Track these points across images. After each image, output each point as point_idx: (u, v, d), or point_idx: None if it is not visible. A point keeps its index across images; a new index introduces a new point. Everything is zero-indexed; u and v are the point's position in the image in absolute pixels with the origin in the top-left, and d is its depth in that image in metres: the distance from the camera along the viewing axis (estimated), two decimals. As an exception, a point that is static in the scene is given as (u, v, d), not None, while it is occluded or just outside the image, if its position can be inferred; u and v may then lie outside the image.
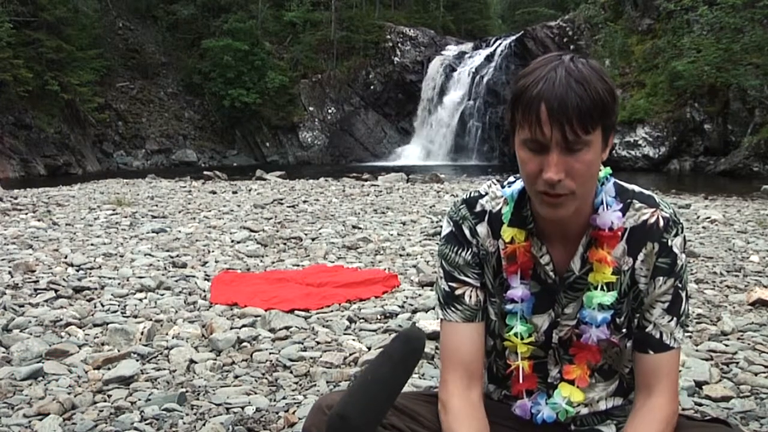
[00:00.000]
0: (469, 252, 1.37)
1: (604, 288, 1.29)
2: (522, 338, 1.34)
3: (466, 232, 1.37)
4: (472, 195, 1.40)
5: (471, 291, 1.37)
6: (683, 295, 1.33)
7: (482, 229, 1.37)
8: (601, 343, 1.32)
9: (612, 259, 1.28)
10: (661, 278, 1.30)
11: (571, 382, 1.35)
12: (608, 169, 1.30)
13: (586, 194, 1.24)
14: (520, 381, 1.37)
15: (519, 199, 1.33)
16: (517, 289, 1.33)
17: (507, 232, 1.33)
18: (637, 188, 1.34)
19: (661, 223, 1.30)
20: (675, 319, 1.32)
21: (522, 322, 1.34)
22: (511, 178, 1.38)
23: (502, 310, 1.37)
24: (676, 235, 1.30)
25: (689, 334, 3.36)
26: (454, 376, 1.33)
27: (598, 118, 1.16)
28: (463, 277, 1.37)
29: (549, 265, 1.32)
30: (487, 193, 1.39)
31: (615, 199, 1.30)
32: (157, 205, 9.60)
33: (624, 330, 1.34)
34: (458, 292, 1.37)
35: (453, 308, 1.37)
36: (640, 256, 1.30)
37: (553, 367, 1.37)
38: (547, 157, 1.17)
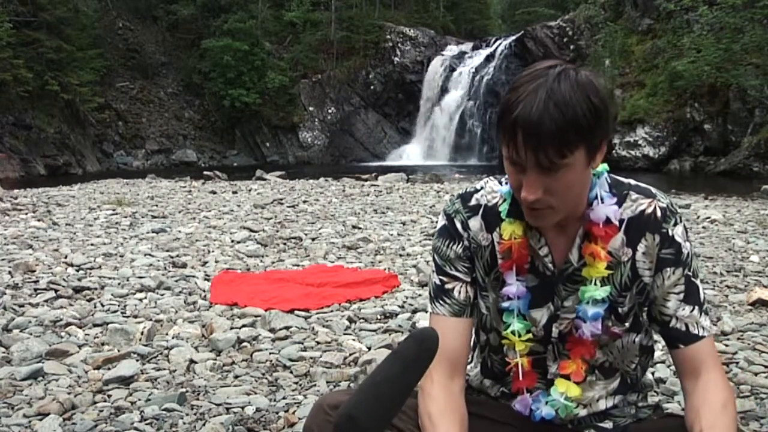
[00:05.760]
0: (459, 245, 1.37)
1: (597, 283, 1.29)
2: (519, 335, 1.34)
3: (458, 225, 1.37)
4: (467, 190, 1.40)
5: (461, 286, 1.37)
6: (697, 282, 1.32)
7: (475, 222, 1.37)
8: (596, 337, 1.32)
9: (605, 254, 1.28)
10: (668, 269, 1.30)
11: (567, 377, 1.34)
12: (605, 166, 1.30)
13: (569, 207, 1.24)
14: (520, 378, 1.36)
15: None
16: (512, 286, 1.33)
17: (506, 229, 1.33)
18: (633, 181, 1.35)
19: (659, 213, 1.29)
20: (696, 308, 1.31)
21: (519, 320, 1.34)
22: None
23: (497, 305, 1.37)
24: (675, 224, 1.30)
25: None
26: (438, 367, 1.30)
27: (576, 141, 1.14)
28: (453, 272, 1.38)
29: (548, 257, 1.32)
30: (482, 188, 1.39)
31: (609, 194, 1.30)
32: (157, 205, 9.60)
33: (627, 323, 1.33)
34: (448, 286, 1.38)
35: (442, 301, 1.38)
36: (641, 248, 1.30)
37: (552, 363, 1.37)
38: (524, 176, 1.18)
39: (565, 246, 1.31)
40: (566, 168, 1.16)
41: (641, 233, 1.29)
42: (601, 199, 1.28)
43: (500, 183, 1.38)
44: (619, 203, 1.29)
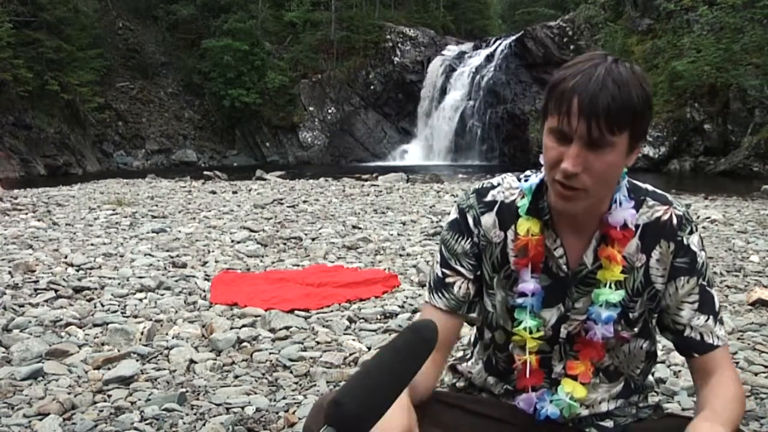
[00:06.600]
0: (468, 241, 1.36)
1: (612, 286, 1.29)
2: (531, 332, 1.34)
3: (470, 221, 1.37)
4: (484, 185, 1.40)
5: (462, 282, 1.37)
6: (712, 291, 1.32)
7: (488, 219, 1.36)
8: (606, 340, 1.32)
9: (621, 258, 1.28)
10: (683, 278, 1.30)
11: (574, 378, 1.34)
12: (623, 170, 1.30)
13: (600, 194, 1.24)
14: (527, 376, 1.36)
15: (536, 191, 1.33)
16: (528, 283, 1.32)
17: (523, 225, 1.32)
18: (650, 187, 1.35)
19: (675, 220, 1.30)
20: (711, 317, 1.31)
21: (531, 317, 1.33)
22: (528, 172, 1.38)
23: (507, 303, 1.36)
24: (691, 233, 1.30)
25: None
26: None
27: (626, 121, 1.16)
28: (457, 267, 1.37)
29: (562, 258, 1.32)
30: (500, 184, 1.38)
31: (628, 198, 1.30)
32: (157, 205, 9.60)
33: (636, 329, 1.33)
34: (449, 279, 1.37)
35: (440, 294, 1.37)
36: (655, 255, 1.30)
37: (558, 363, 1.37)
38: (568, 149, 1.17)
39: (581, 248, 1.31)
40: (611, 148, 1.17)
41: (656, 240, 1.29)
42: (620, 202, 1.28)
43: (519, 179, 1.38)
44: (636, 208, 1.29)
